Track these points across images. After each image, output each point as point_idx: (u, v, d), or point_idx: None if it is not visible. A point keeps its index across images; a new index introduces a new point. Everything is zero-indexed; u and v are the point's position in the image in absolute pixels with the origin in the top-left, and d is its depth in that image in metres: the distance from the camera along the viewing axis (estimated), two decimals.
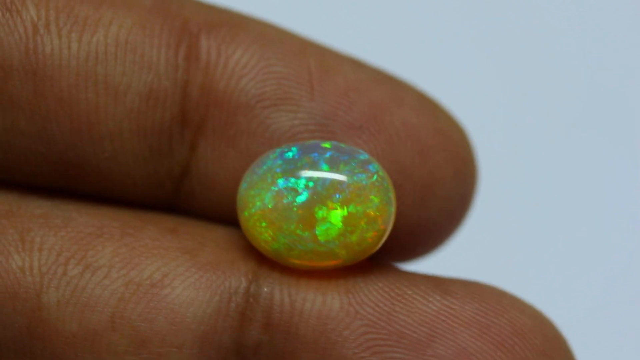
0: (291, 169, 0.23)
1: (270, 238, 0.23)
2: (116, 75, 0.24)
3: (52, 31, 0.24)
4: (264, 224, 0.23)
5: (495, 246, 0.46)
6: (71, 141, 0.24)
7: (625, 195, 0.50)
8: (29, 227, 0.24)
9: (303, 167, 0.23)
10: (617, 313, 0.47)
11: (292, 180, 0.23)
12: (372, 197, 0.23)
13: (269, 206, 0.23)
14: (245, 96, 0.25)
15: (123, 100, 0.24)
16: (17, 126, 0.24)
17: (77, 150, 0.25)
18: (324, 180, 0.23)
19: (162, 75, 0.24)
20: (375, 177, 0.23)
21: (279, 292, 0.24)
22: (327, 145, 0.24)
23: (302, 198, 0.23)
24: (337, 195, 0.23)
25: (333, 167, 0.23)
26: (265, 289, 0.24)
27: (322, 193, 0.23)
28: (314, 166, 0.23)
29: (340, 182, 0.23)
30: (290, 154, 0.24)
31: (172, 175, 0.25)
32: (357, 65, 0.26)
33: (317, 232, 0.23)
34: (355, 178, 0.23)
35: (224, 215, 0.26)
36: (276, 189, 0.23)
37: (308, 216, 0.23)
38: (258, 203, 0.23)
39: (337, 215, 0.23)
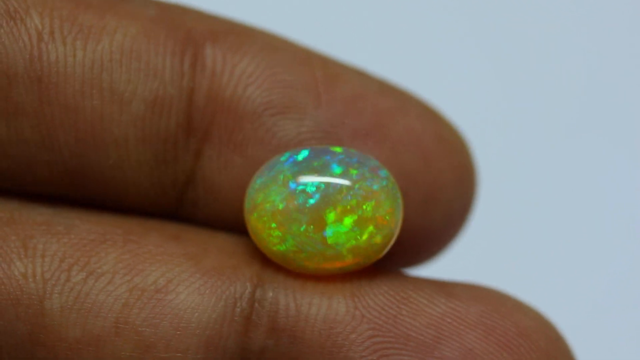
0: (302, 171, 0.24)
1: (278, 240, 0.24)
2: (121, 82, 0.24)
3: (57, 39, 0.24)
4: (273, 225, 0.24)
5: (497, 250, 0.47)
6: (76, 149, 0.24)
7: (624, 201, 0.50)
8: (32, 234, 0.24)
9: (314, 170, 0.24)
10: (617, 315, 0.47)
11: (303, 182, 0.24)
12: (382, 201, 0.24)
13: (279, 208, 0.23)
14: (252, 104, 0.25)
15: (128, 108, 0.24)
16: (22, 134, 0.24)
17: (82, 158, 0.25)
18: (335, 183, 0.23)
19: (167, 82, 0.25)
20: (385, 182, 0.24)
21: (284, 297, 0.24)
22: (337, 149, 0.24)
23: (312, 200, 0.23)
24: (348, 199, 0.23)
25: (344, 171, 0.24)
26: (271, 294, 0.24)
27: (333, 196, 0.23)
28: (325, 169, 0.24)
29: (351, 186, 0.23)
30: (301, 157, 0.24)
31: (176, 183, 0.25)
32: (361, 75, 0.26)
33: (326, 235, 0.23)
34: (366, 183, 0.24)
35: (228, 223, 0.26)
36: (287, 191, 0.23)
37: (318, 219, 0.23)
38: (268, 205, 0.24)
39: (347, 218, 0.23)
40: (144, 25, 0.25)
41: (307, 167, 0.24)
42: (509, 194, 0.48)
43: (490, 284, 0.25)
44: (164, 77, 0.25)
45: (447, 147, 0.26)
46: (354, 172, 0.24)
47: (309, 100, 0.25)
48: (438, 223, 0.26)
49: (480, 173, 0.27)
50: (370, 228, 0.24)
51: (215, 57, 0.25)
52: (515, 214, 0.49)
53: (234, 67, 0.25)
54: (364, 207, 0.23)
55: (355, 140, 0.25)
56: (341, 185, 0.23)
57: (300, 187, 0.23)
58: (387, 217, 0.24)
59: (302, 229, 0.23)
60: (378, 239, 0.24)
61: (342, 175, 0.24)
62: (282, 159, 0.24)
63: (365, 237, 0.24)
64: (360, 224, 0.23)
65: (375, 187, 0.24)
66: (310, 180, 0.24)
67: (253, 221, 0.24)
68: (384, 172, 0.24)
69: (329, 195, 0.23)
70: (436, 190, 0.25)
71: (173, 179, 0.25)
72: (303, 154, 0.24)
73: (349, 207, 0.23)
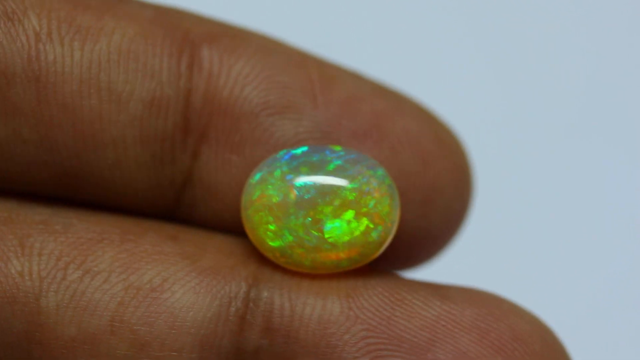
0: (300, 167, 0.24)
1: (275, 235, 0.24)
2: (119, 82, 0.24)
3: (55, 39, 0.24)
4: (270, 219, 0.24)
5: (493, 253, 0.46)
6: (74, 148, 0.25)
7: (621, 203, 0.50)
8: (29, 233, 0.24)
9: (312, 165, 0.24)
10: (614, 320, 0.47)
11: (300, 177, 0.24)
12: (379, 199, 0.24)
13: (277, 202, 0.24)
14: (249, 104, 0.25)
15: (126, 108, 0.24)
16: (20, 134, 0.24)
17: (80, 158, 0.25)
18: (332, 178, 0.24)
19: (164, 83, 0.25)
20: (382, 179, 0.24)
21: (279, 297, 0.24)
22: (336, 147, 0.24)
23: (309, 196, 0.24)
24: (345, 195, 0.24)
25: (341, 168, 0.24)
26: (266, 294, 0.24)
27: (330, 192, 0.24)
28: (323, 164, 0.24)
29: (348, 183, 0.24)
30: (299, 152, 0.24)
31: (174, 183, 0.26)
32: (356, 77, 0.26)
33: (323, 230, 0.24)
34: (363, 180, 0.24)
35: (225, 223, 0.26)
36: (284, 185, 0.24)
37: (314, 213, 0.23)
38: (265, 199, 0.24)
39: (343, 214, 0.24)
40: (141, 26, 0.25)
41: (304, 162, 0.24)
42: (506, 196, 0.48)
43: (487, 287, 0.25)
44: (161, 77, 0.25)
45: (445, 149, 0.26)
46: (351, 168, 0.24)
47: (306, 100, 0.25)
48: (436, 225, 0.26)
49: (477, 175, 0.27)
50: (367, 223, 0.24)
51: (212, 59, 0.25)
52: (512, 216, 0.49)
53: (231, 68, 0.25)
54: (361, 202, 0.24)
55: (352, 141, 0.25)
56: (338, 181, 0.24)
57: (297, 182, 0.24)
58: (383, 214, 0.24)
59: (298, 223, 0.23)
60: (374, 235, 0.24)
61: (339, 171, 0.24)
62: (281, 154, 0.24)
63: (361, 232, 0.24)
64: (356, 219, 0.24)
65: (372, 183, 0.24)
66: (307, 174, 0.24)
67: (250, 216, 0.24)
68: (381, 170, 0.24)
69: (325, 189, 0.23)
70: (434, 192, 0.25)
71: (171, 179, 0.25)
72: (301, 149, 0.24)
73: (345, 202, 0.23)
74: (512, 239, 0.48)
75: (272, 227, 0.24)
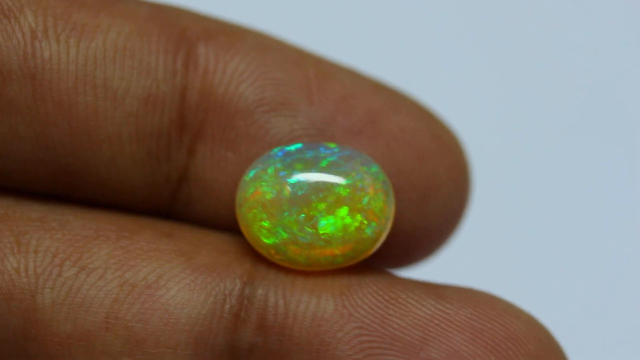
0: (293, 164, 0.24)
1: (269, 232, 0.24)
2: (115, 79, 0.24)
3: (51, 37, 0.24)
4: (264, 216, 0.24)
5: (489, 253, 0.46)
6: (70, 145, 0.25)
7: (619, 202, 0.50)
8: (25, 230, 0.24)
9: (305, 161, 0.24)
10: (611, 319, 0.47)
11: (294, 174, 0.24)
12: (373, 195, 0.24)
13: (270, 199, 0.24)
14: (245, 101, 0.25)
15: (122, 105, 0.25)
16: (16, 131, 0.24)
17: (76, 155, 0.25)
18: (325, 175, 0.24)
19: (160, 80, 0.25)
20: (376, 175, 0.24)
21: (273, 294, 0.24)
22: (330, 144, 0.24)
23: (303, 192, 0.23)
24: (339, 191, 0.23)
25: (335, 164, 0.24)
26: (260, 291, 0.24)
27: (324, 188, 0.23)
28: (317, 162, 0.24)
29: (342, 179, 0.24)
30: (293, 148, 0.24)
31: (170, 180, 0.26)
32: (353, 74, 0.26)
33: (317, 227, 0.23)
34: (357, 176, 0.24)
35: (221, 220, 0.26)
36: (277, 182, 0.24)
37: (308, 209, 0.23)
38: (258, 196, 0.24)
39: (337, 210, 0.24)
40: (137, 23, 0.25)
41: (298, 159, 0.24)
42: (504, 194, 0.48)
43: (484, 286, 0.25)
44: (157, 74, 0.25)
45: (442, 146, 0.26)
46: (345, 164, 0.24)
47: (301, 97, 0.25)
48: (432, 222, 0.26)
49: (475, 172, 0.27)
50: (361, 219, 0.24)
51: (208, 56, 0.25)
52: (510, 215, 0.49)
53: (227, 65, 0.25)
54: (355, 199, 0.24)
55: (348, 138, 0.25)
56: (332, 177, 0.24)
57: (290, 179, 0.24)
58: (377, 210, 0.24)
59: (292, 220, 0.23)
60: (368, 232, 0.24)
61: (333, 167, 0.24)
62: (275, 151, 0.24)
63: (355, 228, 0.24)
64: (350, 217, 0.23)
65: (367, 180, 0.24)
66: (301, 171, 0.24)
67: (244, 214, 0.24)
68: (375, 166, 0.24)
69: (319, 186, 0.23)
70: (430, 189, 0.25)
71: (167, 176, 0.25)
72: (295, 146, 0.24)
73: (339, 198, 0.23)
74: (510, 237, 0.48)
75: (266, 224, 0.24)
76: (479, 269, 0.40)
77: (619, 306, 0.47)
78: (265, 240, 0.24)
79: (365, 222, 0.24)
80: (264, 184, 0.24)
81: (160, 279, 0.24)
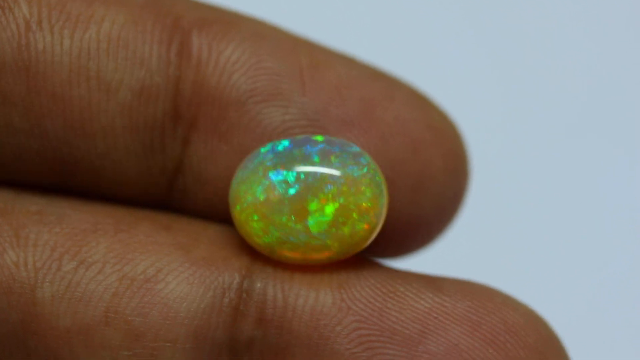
0: (282, 162, 0.24)
1: (262, 232, 0.24)
2: (108, 71, 0.24)
3: (45, 28, 0.24)
4: (255, 217, 0.24)
5: (487, 244, 0.46)
6: (64, 137, 0.24)
7: (615, 196, 0.50)
8: (24, 223, 0.24)
9: (294, 160, 0.24)
10: (610, 311, 0.47)
11: (284, 172, 0.23)
12: (364, 189, 0.24)
13: (261, 199, 0.23)
14: (237, 92, 0.25)
15: (115, 96, 0.24)
16: (11, 123, 0.24)
17: (71, 147, 0.25)
18: (315, 172, 0.23)
19: (154, 71, 0.24)
20: (366, 169, 0.24)
21: (272, 288, 0.24)
22: (318, 138, 0.24)
23: (293, 190, 0.23)
24: (329, 187, 0.23)
25: (324, 160, 0.23)
26: (259, 285, 0.24)
27: (314, 185, 0.23)
28: (306, 159, 0.24)
29: (331, 174, 0.23)
30: (281, 147, 0.24)
31: (165, 171, 0.25)
32: (348, 62, 0.26)
33: (309, 224, 0.23)
34: (346, 170, 0.23)
35: (217, 211, 0.26)
36: (267, 182, 0.23)
37: (300, 208, 0.23)
38: (249, 197, 0.24)
39: (328, 207, 0.23)
40: (132, 12, 0.25)
41: (287, 157, 0.24)
42: (503, 184, 0.48)
43: (482, 278, 0.25)
44: (150, 65, 0.24)
45: (437, 135, 0.25)
46: (334, 160, 0.23)
47: (293, 87, 0.25)
48: (427, 212, 0.26)
49: (474, 162, 0.27)
50: (353, 216, 0.23)
51: (202, 45, 0.25)
52: (509, 205, 0.49)
53: (220, 54, 0.25)
54: (345, 195, 0.23)
55: (341, 128, 0.25)
56: (322, 174, 0.23)
57: (280, 178, 0.23)
58: (369, 205, 0.24)
59: (284, 220, 0.23)
60: (362, 227, 0.24)
61: (322, 164, 0.23)
62: (263, 150, 0.24)
63: (348, 225, 0.23)
64: (342, 212, 0.23)
65: (356, 174, 0.23)
66: (290, 170, 0.23)
67: (237, 214, 0.24)
68: (365, 159, 0.24)
69: (309, 184, 0.23)
70: (425, 180, 0.25)
71: (162, 167, 0.25)
72: (283, 144, 0.24)
73: (330, 195, 0.23)
74: (509, 229, 0.48)
75: (258, 225, 0.24)
76: (477, 260, 0.40)
77: (617, 298, 0.47)
78: (259, 240, 0.24)
79: (359, 217, 0.24)
80: (254, 184, 0.24)
81: (159, 273, 0.24)
